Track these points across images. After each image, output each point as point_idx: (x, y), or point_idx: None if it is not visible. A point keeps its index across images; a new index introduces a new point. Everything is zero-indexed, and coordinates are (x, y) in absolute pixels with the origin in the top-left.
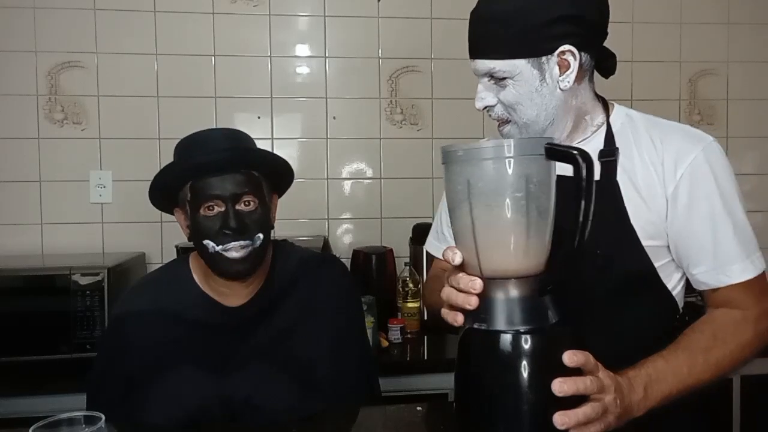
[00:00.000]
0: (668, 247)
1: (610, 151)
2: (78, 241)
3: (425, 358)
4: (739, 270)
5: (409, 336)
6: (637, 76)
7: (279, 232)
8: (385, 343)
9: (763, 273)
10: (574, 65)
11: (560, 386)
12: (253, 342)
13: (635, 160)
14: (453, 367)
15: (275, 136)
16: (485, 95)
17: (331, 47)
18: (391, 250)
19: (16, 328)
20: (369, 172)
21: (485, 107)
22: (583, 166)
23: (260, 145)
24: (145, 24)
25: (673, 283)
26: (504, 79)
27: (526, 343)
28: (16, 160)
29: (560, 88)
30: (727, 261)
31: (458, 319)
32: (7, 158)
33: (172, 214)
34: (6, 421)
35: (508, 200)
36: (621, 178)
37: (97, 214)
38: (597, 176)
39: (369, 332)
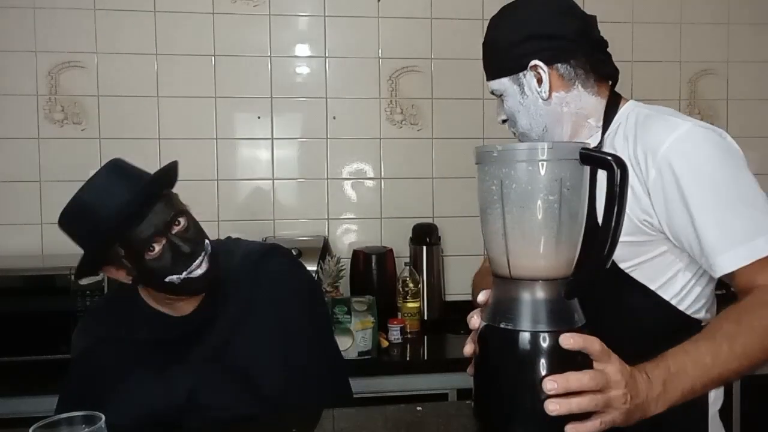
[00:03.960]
0: (653, 241)
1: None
2: None
3: (425, 358)
4: (727, 260)
5: (409, 336)
6: (637, 76)
7: (279, 232)
8: (385, 343)
9: None
10: (545, 77)
11: (551, 384)
12: (199, 347)
13: None
14: (453, 367)
15: (275, 136)
16: (498, 111)
17: (331, 47)
18: (391, 250)
19: (16, 328)
20: (369, 172)
21: (503, 121)
22: (617, 171)
23: (260, 144)
24: (145, 24)
25: (660, 282)
26: (501, 95)
27: (544, 342)
28: (16, 160)
29: (542, 99)
30: (711, 253)
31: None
32: (7, 158)
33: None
34: (6, 421)
35: (540, 203)
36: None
37: None
38: None
39: (369, 332)
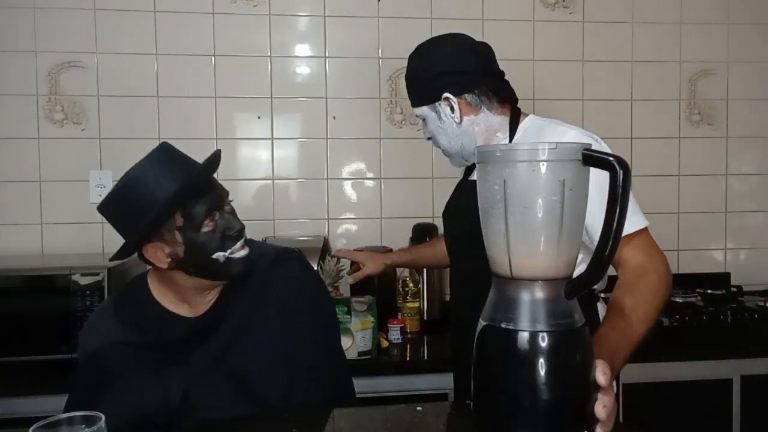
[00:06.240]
0: None
1: None
2: (78, 241)
3: (425, 358)
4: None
5: (409, 336)
6: (637, 76)
7: (279, 232)
8: (385, 343)
9: (644, 230)
10: (456, 106)
11: (605, 411)
12: (205, 347)
13: None
14: (453, 367)
15: (275, 136)
16: (424, 131)
17: (331, 47)
18: (391, 250)
19: (16, 328)
20: (369, 172)
21: (428, 138)
22: (620, 172)
23: (260, 144)
24: (145, 24)
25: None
26: (424, 119)
27: (545, 341)
28: (16, 160)
29: (455, 123)
30: (592, 231)
31: None
32: (7, 158)
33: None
34: (6, 421)
35: (543, 203)
36: None
37: (97, 214)
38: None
39: (369, 332)
